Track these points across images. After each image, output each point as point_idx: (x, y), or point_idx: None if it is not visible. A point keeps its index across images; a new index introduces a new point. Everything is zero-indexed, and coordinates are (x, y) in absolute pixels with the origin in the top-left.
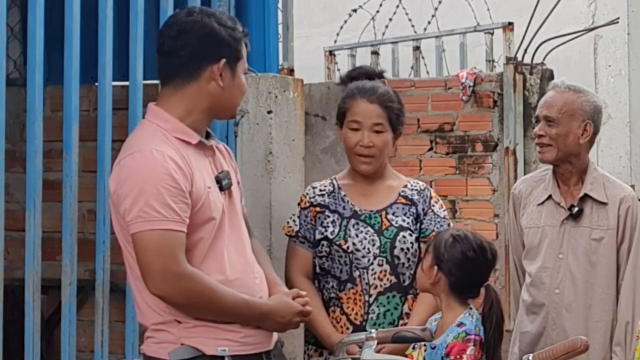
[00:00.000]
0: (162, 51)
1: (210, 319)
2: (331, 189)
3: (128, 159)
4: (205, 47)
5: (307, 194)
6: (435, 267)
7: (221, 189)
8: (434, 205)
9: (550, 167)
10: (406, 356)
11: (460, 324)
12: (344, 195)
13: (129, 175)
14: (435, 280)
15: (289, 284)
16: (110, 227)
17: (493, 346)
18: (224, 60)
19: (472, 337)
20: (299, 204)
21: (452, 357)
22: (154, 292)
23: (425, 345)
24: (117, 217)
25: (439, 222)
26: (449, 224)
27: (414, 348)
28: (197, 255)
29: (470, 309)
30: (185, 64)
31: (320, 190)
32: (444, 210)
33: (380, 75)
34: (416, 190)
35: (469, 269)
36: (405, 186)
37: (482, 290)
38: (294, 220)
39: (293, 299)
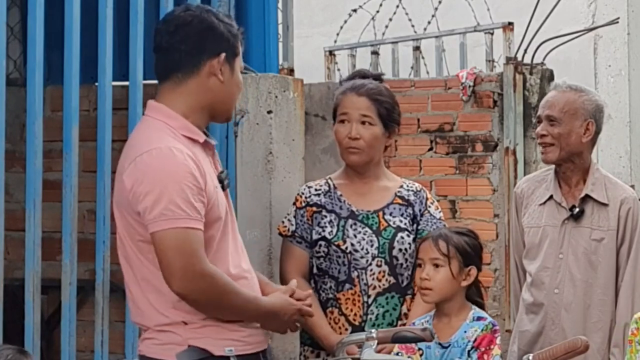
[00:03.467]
0: (160, 47)
1: (223, 317)
2: (327, 188)
3: (145, 156)
4: (204, 41)
5: (303, 193)
6: (474, 268)
7: (223, 188)
8: (430, 207)
9: (553, 166)
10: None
11: (480, 318)
12: (340, 195)
13: (149, 172)
14: (471, 281)
15: (285, 284)
16: (111, 227)
17: None
18: (223, 55)
19: (498, 328)
20: (294, 204)
21: (482, 349)
22: (176, 291)
23: (421, 349)
24: (126, 215)
25: (435, 223)
26: (444, 225)
27: (397, 354)
28: (207, 254)
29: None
30: (185, 58)
31: (316, 190)
32: (440, 212)
33: (377, 77)
34: (412, 191)
35: (482, 261)
36: (401, 187)
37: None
38: (289, 220)
39: (290, 296)
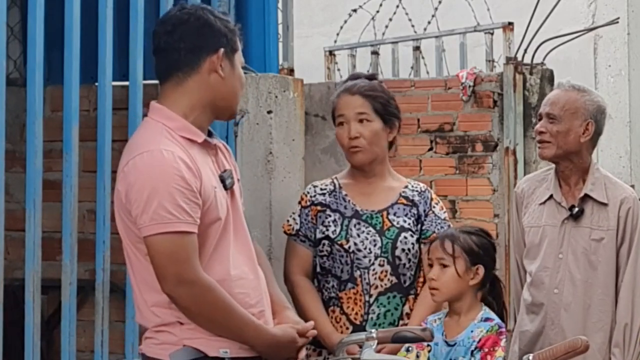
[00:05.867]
0: (159, 48)
1: (217, 332)
2: (332, 188)
3: (137, 159)
4: (203, 38)
5: (308, 192)
6: (481, 267)
7: (225, 188)
8: (434, 207)
9: (553, 166)
10: None
11: (487, 319)
12: (345, 195)
13: (139, 176)
14: (479, 280)
15: (289, 283)
16: (111, 227)
17: None
18: (222, 50)
19: (504, 330)
20: (299, 202)
21: (486, 349)
22: (167, 294)
23: (429, 345)
24: (124, 218)
25: (439, 223)
26: (449, 226)
27: (408, 350)
28: (203, 255)
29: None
30: (185, 57)
31: (322, 189)
32: (444, 212)
33: (370, 77)
34: (417, 191)
35: (494, 260)
36: (406, 187)
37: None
38: (294, 219)
39: (299, 334)
